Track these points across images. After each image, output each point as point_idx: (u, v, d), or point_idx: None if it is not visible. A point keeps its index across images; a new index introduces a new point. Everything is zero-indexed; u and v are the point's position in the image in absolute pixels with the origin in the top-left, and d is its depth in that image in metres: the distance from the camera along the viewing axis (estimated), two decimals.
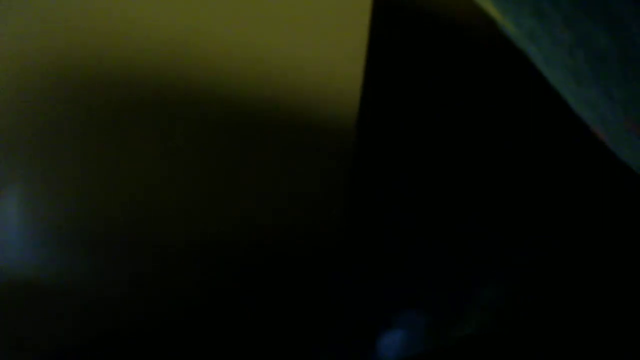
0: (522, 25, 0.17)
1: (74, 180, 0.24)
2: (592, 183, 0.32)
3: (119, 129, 0.24)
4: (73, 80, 0.22)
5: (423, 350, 0.27)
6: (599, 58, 0.17)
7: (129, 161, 0.24)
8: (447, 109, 0.34)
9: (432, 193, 0.32)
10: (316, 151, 0.27)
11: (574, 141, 0.33)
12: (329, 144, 0.27)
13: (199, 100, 0.24)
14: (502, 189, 0.32)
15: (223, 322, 0.29)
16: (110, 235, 0.25)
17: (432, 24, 0.32)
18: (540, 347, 0.28)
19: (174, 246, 0.27)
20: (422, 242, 0.30)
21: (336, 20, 0.25)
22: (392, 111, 0.34)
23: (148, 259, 0.27)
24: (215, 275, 0.29)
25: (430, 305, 0.29)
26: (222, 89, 0.24)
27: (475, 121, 0.34)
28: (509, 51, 0.34)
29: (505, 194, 0.32)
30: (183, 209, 0.26)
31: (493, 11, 0.18)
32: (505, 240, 0.30)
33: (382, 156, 0.33)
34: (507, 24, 0.18)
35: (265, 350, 0.28)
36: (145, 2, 0.22)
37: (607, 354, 0.27)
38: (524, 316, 0.28)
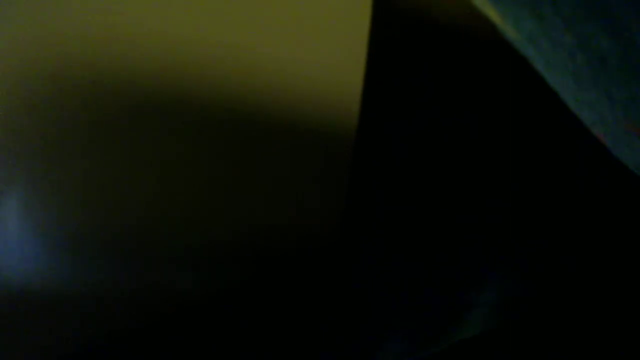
0: (522, 29, 0.17)
1: (76, 185, 0.24)
2: (592, 184, 0.32)
3: (121, 134, 0.24)
4: (77, 85, 0.22)
5: (423, 351, 0.27)
6: (599, 60, 0.17)
7: (132, 165, 0.24)
8: (448, 111, 0.34)
9: (433, 193, 0.32)
10: (316, 153, 0.27)
11: (574, 142, 0.33)
12: (329, 145, 0.27)
13: (200, 104, 0.24)
14: (502, 190, 0.32)
15: (224, 323, 0.29)
16: (113, 239, 0.25)
17: (432, 27, 0.32)
18: (540, 347, 0.28)
19: (176, 248, 0.27)
20: (422, 242, 0.30)
21: (336, 23, 0.25)
22: (392, 113, 0.34)
23: (150, 262, 0.27)
24: (217, 277, 0.29)
25: (430, 305, 0.29)
26: (222, 92, 0.24)
27: (476, 123, 0.34)
28: (509, 54, 0.34)
29: (506, 195, 0.32)
30: (185, 211, 0.26)
31: (493, 14, 0.18)
32: (505, 240, 0.30)
33: (382, 157, 0.33)
34: (507, 27, 0.18)
35: (265, 351, 0.28)
36: (148, 8, 0.22)
37: (607, 353, 0.27)
38: (524, 316, 0.28)
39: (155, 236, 0.26)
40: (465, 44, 0.33)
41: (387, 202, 0.32)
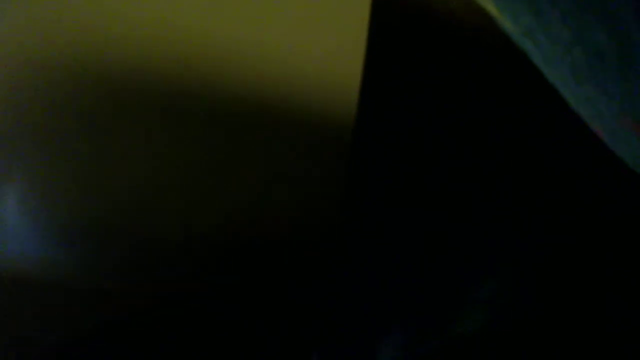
0: (519, 23, 0.18)
1: (73, 178, 0.24)
2: (590, 180, 0.32)
3: (117, 127, 0.24)
4: (71, 80, 0.22)
5: (423, 350, 0.27)
6: (596, 54, 0.17)
7: (127, 159, 0.24)
8: (446, 107, 0.34)
9: (432, 190, 0.32)
10: (314, 148, 0.27)
11: (572, 138, 0.33)
12: (327, 141, 0.27)
13: (195, 98, 0.24)
14: (502, 187, 0.32)
15: (219, 319, 0.29)
16: (109, 231, 0.26)
17: (431, 24, 0.32)
18: (540, 347, 0.28)
19: (172, 242, 0.27)
20: (421, 240, 0.31)
21: (335, 20, 0.25)
22: (390, 109, 0.34)
23: (147, 255, 0.27)
24: (212, 271, 0.29)
25: (430, 303, 0.29)
26: (219, 86, 0.24)
27: (474, 119, 0.34)
28: (508, 48, 0.34)
29: (505, 192, 0.32)
30: (180, 205, 0.26)
31: (491, 8, 0.18)
32: (505, 239, 0.30)
33: (380, 154, 0.33)
34: (505, 21, 0.18)
35: (261, 349, 0.28)
36: (144, 2, 0.22)
37: (607, 353, 0.27)
38: (524, 316, 0.28)
39: (151, 229, 0.26)
40: (464, 40, 0.33)
41: (385, 198, 0.32)
